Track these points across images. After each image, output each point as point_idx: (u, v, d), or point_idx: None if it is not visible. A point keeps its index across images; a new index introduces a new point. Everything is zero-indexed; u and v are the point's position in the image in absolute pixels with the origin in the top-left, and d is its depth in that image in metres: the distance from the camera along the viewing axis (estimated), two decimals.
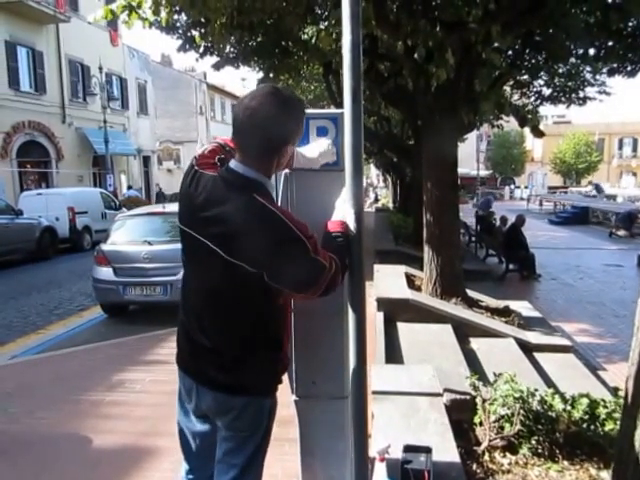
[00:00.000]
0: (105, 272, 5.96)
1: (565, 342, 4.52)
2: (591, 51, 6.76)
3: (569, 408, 2.54)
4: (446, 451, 2.34)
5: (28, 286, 8.35)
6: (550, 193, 34.33)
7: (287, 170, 1.71)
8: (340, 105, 1.69)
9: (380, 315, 4.51)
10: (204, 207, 1.40)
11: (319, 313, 1.74)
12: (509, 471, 2.40)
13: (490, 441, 2.54)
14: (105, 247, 6.15)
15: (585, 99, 11.18)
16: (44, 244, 11.17)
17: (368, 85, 7.53)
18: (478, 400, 2.70)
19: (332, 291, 1.46)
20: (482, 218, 12.34)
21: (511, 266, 9.52)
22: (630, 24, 5.59)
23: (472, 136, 24.71)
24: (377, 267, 6.16)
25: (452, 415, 2.71)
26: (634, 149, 47.08)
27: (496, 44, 4.68)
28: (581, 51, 7.19)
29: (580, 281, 9.02)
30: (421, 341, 4.13)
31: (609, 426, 2.46)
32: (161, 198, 22.83)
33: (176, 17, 6.03)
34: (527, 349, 4.21)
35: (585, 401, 2.55)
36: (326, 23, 5.62)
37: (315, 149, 1.70)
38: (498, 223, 11.89)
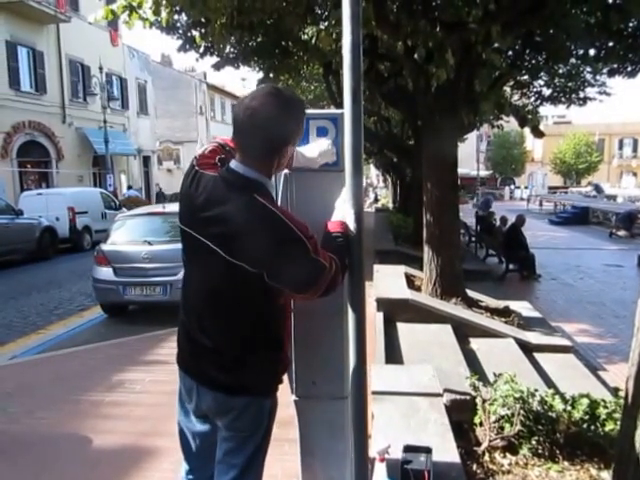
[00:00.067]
0: (105, 272, 5.96)
1: (565, 342, 4.52)
2: (591, 51, 6.76)
3: (569, 408, 2.53)
4: (446, 451, 2.34)
5: (28, 286, 8.35)
6: (550, 193, 34.32)
7: (287, 170, 1.71)
8: (340, 105, 1.69)
9: (380, 315, 4.51)
10: (204, 207, 1.40)
11: (319, 313, 1.74)
12: (509, 471, 2.39)
13: (490, 441, 2.54)
14: (105, 247, 6.15)
15: (585, 99, 11.19)
16: (44, 244, 11.17)
17: (368, 85, 7.53)
18: (478, 400, 2.70)
19: (332, 291, 1.46)
20: (482, 218, 12.34)
21: (511, 266, 9.52)
22: (630, 24, 5.59)
23: (472, 136, 24.72)
24: (377, 267, 6.16)
25: (452, 415, 2.71)
26: (634, 149, 47.07)
27: (496, 44, 4.68)
28: (581, 51, 7.20)
29: (580, 281, 9.02)
30: (421, 341, 4.12)
31: (609, 426, 2.46)
32: (161, 198, 22.84)
33: (176, 17, 6.02)
34: (527, 349, 4.21)
35: (585, 401, 2.55)
36: (326, 23, 5.62)
37: (315, 149, 1.70)
38: (498, 223, 11.88)
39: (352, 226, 1.55)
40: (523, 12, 4.27)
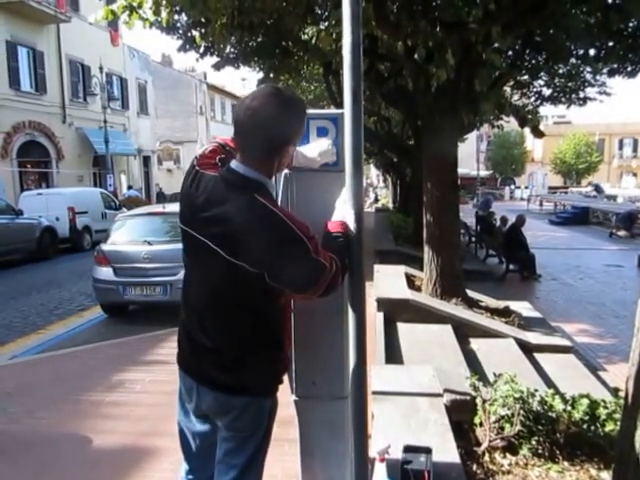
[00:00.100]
0: (105, 272, 5.96)
1: (565, 342, 4.52)
2: (591, 51, 6.77)
3: (569, 409, 2.53)
4: (446, 452, 2.34)
5: (28, 286, 8.35)
6: (550, 193, 34.30)
7: (287, 170, 1.71)
8: (340, 105, 1.69)
9: (380, 315, 4.51)
10: (205, 207, 1.40)
11: (319, 313, 1.74)
12: (509, 472, 2.39)
13: (490, 442, 2.54)
14: (105, 247, 6.15)
15: (585, 99, 11.18)
16: (44, 244, 11.17)
17: (368, 85, 7.53)
18: (478, 400, 2.70)
19: (333, 291, 1.46)
20: (482, 218, 12.34)
21: (511, 266, 9.52)
22: (630, 25, 5.60)
23: (472, 136, 24.72)
24: (377, 267, 6.16)
25: (452, 415, 2.71)
26: (634, 149, 47.07)
27: (496, 44, 4.68)
28: (581, 51, 7.20)
29: (580, 281, 9.02)
30: (421, 341, 4.12)
31: (609, 427, 2.46)
32: (161, 198, 22.85)
33: (176, 17, 6.02)
34: (527, 349, 4.21)
35: (585, 402, 2.55)
36: (326, 23, 5.62)
37: (315, 149, 1.70)
38: (498, 223, 11.88)
39: (352, 226, 1.55)
40: (523, 12, 4.26)
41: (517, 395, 2.53)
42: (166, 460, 2.75)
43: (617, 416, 2.40)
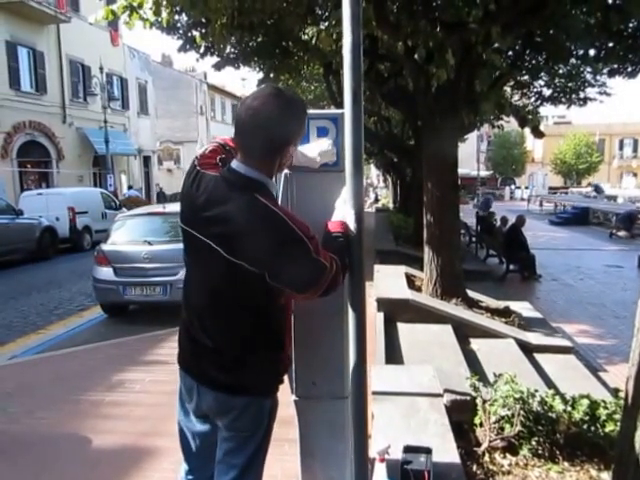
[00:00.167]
0: (105, 272, 5.96)
1: (565, 343, 4.52)
2: (591, 52, 6.77)
3: (569, 409, 2.53)
4: (446, 452, 2.34)
5: (28, 286, 8.35)
6: (550, 194, 34.31)
7: (287, 170, 1.71)
8: (340, 105, 1.69)
9: (380, 315, 4.51)
10: (206, 207, 1.40)
11: (319, 313, 1.74)
12: (509, 472, 2.39)
13: (490, 442, 2.54)
14: (105, 247, 6.15)
15: (585, 100, 11.19)
16: (44, 244, 11.17)
17: (368, 85, 7.53)
18: (478, 401, 2.70)
19: (333, 291, 1.46)
20: (482, 218, 12.35)
21: (511, 267, 9.52)
22: (630, 25, 5.60)
23: (472, 136, 24.74)
24: (377, 267, 6.16)
25: (452, 416, 2.71)
26: (634, 150, 47.07)
27: (496, 45, 4.68)
28: (581, 52, 7.20)
29: (580, 282, 9.02)
30: (421, 341, 4.12)
31: (610, 427, 2.45)
32: (162, 198, 22.85)
33: (177, 17, 6.03)
34: (527, 350, 4.20)
35: (585, 402, 2.55)
36: (326, 23, 5.62)
37: (315, 148, 1.70)
38: (498, 223, 11.88)
39: (352, 226, 1.55)
40: (523, 12, 4.27)
41: (517, 395, 2.53)
42: (166, 460, 2.75)
43: (617, 417, 2.40)
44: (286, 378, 1.65)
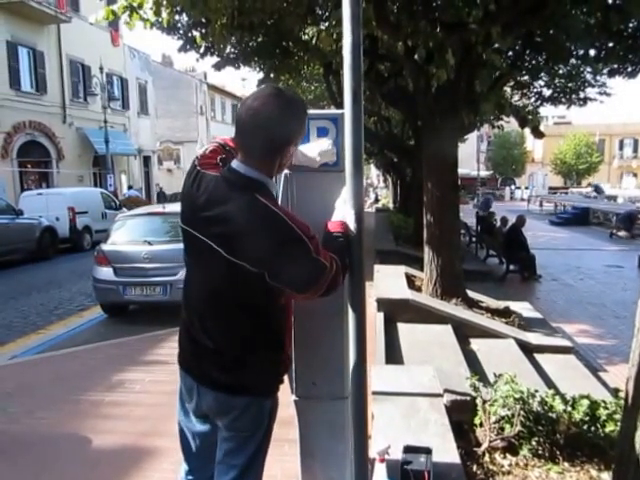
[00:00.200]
0: (105, 272, 5.96)
1: (566, 343, 4.52)
2: (591, 52, 6.76)
3: (570, 409, 2.53)
4: (446, 452, 2.33)
5: (28, 286, 8.35)
6: (550, 194, 34.30)
7: (287, 170, 1.71)
8: (340, 105, 1.69)
9: (380, 315, 4.51)
10: (206, 207, 1.40)
11: (319, 313, 1.73)
12: (509, 472, 2.39)
13: (490, 442, 2.54)
14: (105, 247, 6.15)
15: (585, 100, 11.19)
16: (44, 244, 11.18)
17: (368, 85, 7.53)
18: (478, 401, 2.70)
19: (333, 291, 1.46)
20: (483, 219, 12.35)
21: (512, 267, 9.52)
22: (630, 25, 5.60)
23: (472, 136, 24.74)
24: (377, 267, 6.16)
25: (452, 416, 2.71)
26: (635, 150, 47.07)
27: (496, 45, 4.68)
28: (581, 52, 7.20)
29: (581, 282, 9.02)
30: (421, 341, 4.12)
31: (610, 427, 2.45)
32: (162, 198, 22.85)
33: (177, 18, 6.03)
34: (527, 350, 4.20)
35: (586, 402, 2.55)
36: (327, 24, 5.62)
37: (315, 148, 1.70)
38: (499, 224, 11.88)
39: (352, 226, 1.55)
40: (523, 12, 4.27)
41: (517, 395, 2.53)
42: (166, 460, 2.75)
43: (617, 417, 2.40)
44: (286, 378, 1.65)
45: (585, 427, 2.49)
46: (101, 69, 18.34)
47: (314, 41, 5.63)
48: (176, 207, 5.05)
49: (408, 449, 2.15)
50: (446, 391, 2.92)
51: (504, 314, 5.06)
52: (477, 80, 5.82)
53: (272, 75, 8.09)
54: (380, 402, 2.77)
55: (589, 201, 25.45)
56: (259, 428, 1.52)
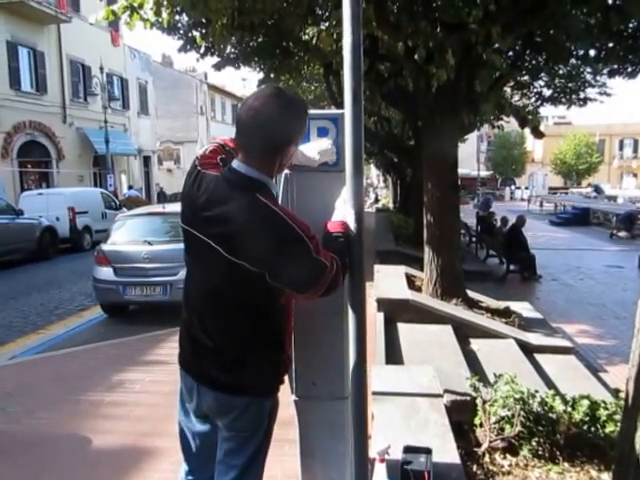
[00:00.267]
0: (105, 272, 5.96)
1: (566, 343, 4.52)
2: (591, 52, 6.77)
3: (570, 410, 2.53)
4: (446, 452, 2.33)
5: (28, 286, 8.35)
6: (551, 194, 34.30)
7: (287, 170, 1.71)
8: (340, 105, 1.69)
9: (380, 315, 4.51)
10: (206, 207, 1.40)
11: (319, 313, 1.73)
12: (509, 472, 2.39)
13: (490, 442, 2.54)
14: (105, 247, 6.15)
15: (586, 100, 11.19)
16: (44, 244, 11.18)
17: (368, 85, 7.53)
18: (478, 401, 2.70)
19: (333, 291, 1.46)
20: (483, 219, 12.34)
21: (512, 267, 9.51)
22: (630, 25, 5.60)
23: (472, 137, 24.74)
24: (377, 267, 6.16)
25: (452, 416, 2.71)
26: (635, 150, 47.06)
27: (496, 45, 4.68)
28: (581, 52, 7.20)
29: (581, 282, 9.02)
30: (421, 342, 4.12)
31: (610, 428, 2.45)
32: (162, 198, 22.85)
33: (177, 18, 6.04)
34: (528, 350, 4.20)
35: (586, 403, 2.55)
36: (327, 24, 5.62)
37: (315, 148, 1.70)
38: (499, 224, 11.88)
39: (352, 226, 1.55)
40: (523, 13, 4.27)
41: (517, 396, 2.53)
42: (166, 460, 2.75)
43: (617, 417, 2.40)
44: (286, 378, 1.65)
45: (585, 427, 2.49)
46: (101, 69, 18.35)
47: (314, 41, 5.62)
48: (176, 207, 5.05)
49: (408, 449, 2.15)
50: (446, 391, 2.92)
51: (504, 314, 5.06)
52: (477, 80, 5.82)
53: (272, 75, 8.09)
54: (380, 402, 2.77)
55: (589, 201, 25.45)
56: (259, 428, 1.52)
